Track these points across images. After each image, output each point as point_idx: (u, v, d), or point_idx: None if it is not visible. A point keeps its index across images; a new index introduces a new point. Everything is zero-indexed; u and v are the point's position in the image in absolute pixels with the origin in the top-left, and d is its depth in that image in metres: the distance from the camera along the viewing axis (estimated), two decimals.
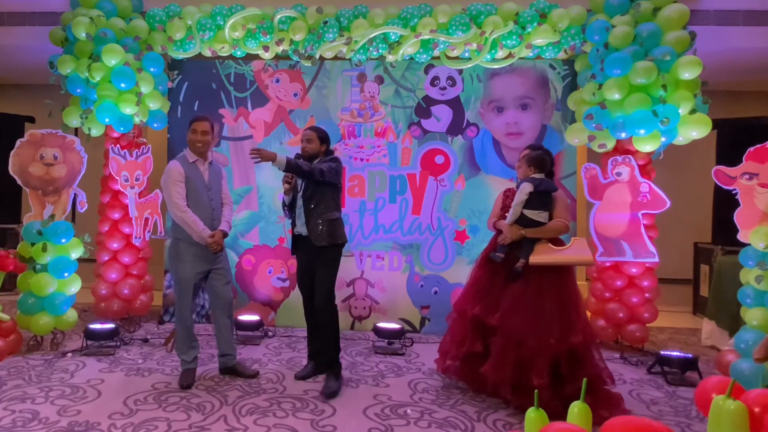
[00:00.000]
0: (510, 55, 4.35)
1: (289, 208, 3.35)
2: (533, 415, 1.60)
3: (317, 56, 4.42)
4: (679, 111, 3.68)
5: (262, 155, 3.03)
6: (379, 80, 4.70)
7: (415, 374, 3.51)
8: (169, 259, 3.27)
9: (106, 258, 4.46)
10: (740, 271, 3.43)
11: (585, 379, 1.69)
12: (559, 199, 3.12)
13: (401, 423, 2.74)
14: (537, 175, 3.10)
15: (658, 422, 1.39)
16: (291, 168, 3.08)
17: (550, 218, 3.05)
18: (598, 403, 2.73)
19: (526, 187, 3.04)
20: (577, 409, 1.61)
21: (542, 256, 2.95)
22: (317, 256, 3.23)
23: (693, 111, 3.68)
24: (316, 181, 3.14)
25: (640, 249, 3.93)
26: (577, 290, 3.03)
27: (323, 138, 3.34)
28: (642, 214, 3.95)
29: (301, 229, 3.27)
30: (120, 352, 3.78)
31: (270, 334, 4.34)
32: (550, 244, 3.00)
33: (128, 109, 4.10)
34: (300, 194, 3.27)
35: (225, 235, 3.30)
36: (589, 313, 3.91)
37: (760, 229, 3.27)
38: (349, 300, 4.63)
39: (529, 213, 3.04)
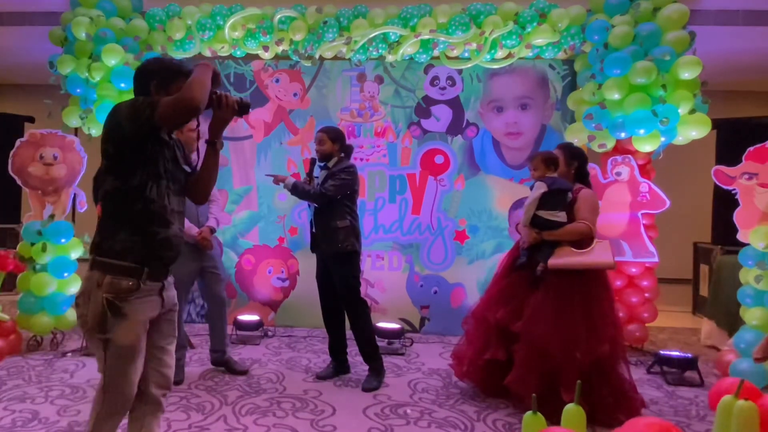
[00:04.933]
0: (510, 55, 4.35)
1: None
2: (530, 419, 1.61)
3: (317, 56, 4.42)
4: (679, 111, 3.67)
5: (277, 179, 3.30)
6: (379, 80, 4.70)
7: (414, 374, 3.51)
8: None
9: None
10: (740, 270, 3.43)
11: (579, 382, 1.69)
12: (584, 199, 2.94)
13: (401, 423, 2.74)
14: (551, 175, 2.99)
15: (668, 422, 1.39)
16: (296, 191, 3.26)
17: (572, 220, 2.93)
18: (620, 409, 2.69)
19: (540, 187, 2.93)
20: (571, 412, 1.61)
21: (562, 259, 2.83)
22: (330, 259, 3.33)
23: (692, 111, 3.68)
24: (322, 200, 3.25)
25: (640, 249, 3.94)
26: (608, 295, 2.90)
27: (335, 137, 3.35)
28: (642, 213, 3.96)
29: (315, 229, 3.36)
30: None
31: (270, 334, 4.35)
32: (571, 248, 2.85)
33: None
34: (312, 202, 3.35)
35: (212, 230, 3.38)
36: None
37: (759, 228, 3.27)
38: None
39: (542, 213, 2.92)
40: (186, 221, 3.12)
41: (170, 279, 1.89)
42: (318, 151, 3.36)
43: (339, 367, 3.46)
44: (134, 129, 1.65)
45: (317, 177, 3.38)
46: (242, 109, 1.84)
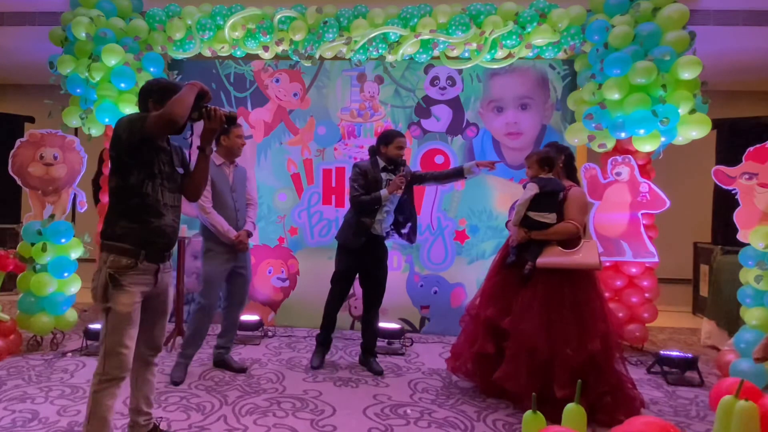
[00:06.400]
0: (510, 55, 4.35)
1: (374, 208, 3.40)
2: (530, 418, 1.61)
3: (317, 56, 4.42)
4: (679, 111, 3.68)
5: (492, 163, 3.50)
6: (379, 80, 4.70)
7: (414, 374, 3.51)
8: (201, 258, 3.34)
9: None
10: (740, 271, 3.43)
11: (579, 381, 1.69)
12: (573, 199, 2.97)
13: (401, 423, 2.74)
14: (545, 175, 3.01)
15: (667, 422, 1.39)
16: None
17: (561, 219, 2.95)
18: (620, 408, 2.70)
19: (531, 188, 2.96)
20: (571, 412, 1.61)
21: (549, 259, 2.88)
22: (381, 259, 3.55)
23: (692, 111, 3.68)
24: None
25: (640, 249, 3.94)
26: (598, 295, 2.92)
27: None
28: (642, 213, 3.96)
29: (388, 229, 3.48)
30: None
31: (270, 334, 4.35)
32: (559, 247, 2.90)
33: (128, 109, 4.10)
34: (397, 201, 3.47)
35: (249, 234, 3.40)
36: None
37: (759, 228, 3.27)
38: (349, 300, 4.63)
39: (532, 215, 2.95)
40: (226, 223, 3.25)
41: (168, 265, 2.25)
42: (401, 155, 3.46)
43: (326, 349, 3.66)
44: (129, 138, 2.04)
45: (388, 179, 3.44)
46: (229, 120, 2.22)
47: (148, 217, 2.10)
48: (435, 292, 4.61)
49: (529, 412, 1.61)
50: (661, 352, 3.59)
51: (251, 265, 3.61)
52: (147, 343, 2.27)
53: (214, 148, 3.31)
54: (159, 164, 2.15)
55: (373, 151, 3.54)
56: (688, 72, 3.65)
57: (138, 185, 2.09)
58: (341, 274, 3.54)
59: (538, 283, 2.88)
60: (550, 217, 2.95)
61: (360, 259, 3.49)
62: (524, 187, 3.09)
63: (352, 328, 4.57)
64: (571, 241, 2.93)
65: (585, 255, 2.87)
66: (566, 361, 2.71)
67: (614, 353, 2.84)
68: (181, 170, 2.29)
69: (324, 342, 3.63)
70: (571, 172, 3.14)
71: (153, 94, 2.17)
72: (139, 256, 2.08)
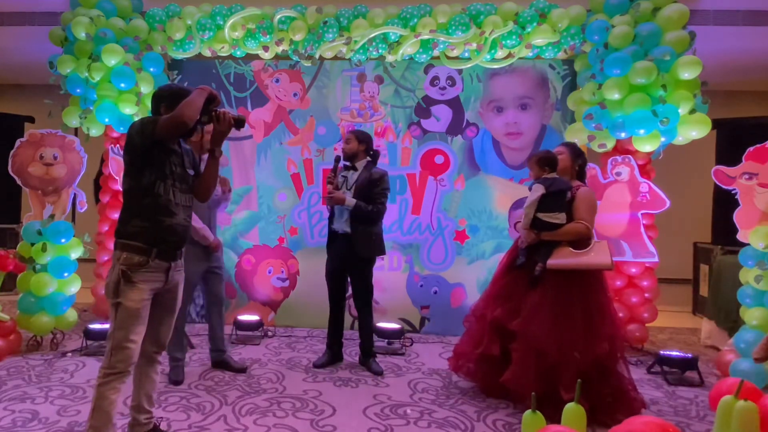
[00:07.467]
0: (510, 55, 4.35)
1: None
2: (530, 417, 1.61)
3: (317, 56, 4.42)
4: (679, 111, 3.68)
5: (335, 200, 3.36)
6: (379, 80, 4.70)
7: (414, 374, 3.51)
8: None
9: (106, 258, 4.46)
10: (740, 270, 3.43)
11: (579, 381, 1.69)
12: (582, 199, 2.94)
13: (401, 423, 2.74)
14: (549, 175, 2.98)
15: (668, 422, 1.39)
16: (358, 211, 3.38)
17: (570, 219, 2.93)
18: (620, 408, 2.70)
19: (538, 189, 2.93)
20: (570, 411, 1.61)
21: (560, 260, 2.85)
22: (355, 258, 3.47)
23: (692, 111, 3.68)
24: (374, 213, 3.43)
25: (640, 249, 3.94)
26: (605, 296, 2.91)
27: (362, 138, 3.53)
28: (642, 213, 3.96)
29: (345, 227, 3.45)
30: None
31: (270, 334, 4.35)
32: (569, 248, 2.87)
33: (128, 109, 4.10)
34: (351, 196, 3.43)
35: None
36: None
37: (759, 228, 3.28)
38: (349, 300, 4.62)
39: (542, 216, 2.92)
40: (204, 226, 3.23)
41: (180, 263, 2.29)
42: (344, 150, 3.53)
43: (335, 356, 3.64)
44: (141, 140, 2.14)
45: (344, 175, 3.51)
46: (238, 123, 2.29)
47: (161, 216, 2.17)
48: (435, 292, 4.61)
49: (528, 412, 1.61)
50: (661, 352, 3.59)
51: (224, 263, 3.62)
52: (153, 340, 2.32)
53: (187, 147, 3.33)
54: (170, 165, 2.22)
55: None
56: (688, 72, 3.65)
57: (150, 186, 2.16)
58: (325, 273, 3.63)
59: (548, 284, 2.85)
60: (559, 217, 2.93)
61: (335, 258, 3.55)
62: (529, 188, 3.07)
63: (351, 328, 4.57)
64: (581, 242, 2.90)
65: (596, 255, 2.84)
66: (573, 364, 2.70)
67: (619, 356, 2.84)
68: (191, 172, 2.36)
69: (329, 345, 3.65)
70: (581, 177, 3.14)
71: (165, 99, 2.27)
72: (151, 254, 2.15)
